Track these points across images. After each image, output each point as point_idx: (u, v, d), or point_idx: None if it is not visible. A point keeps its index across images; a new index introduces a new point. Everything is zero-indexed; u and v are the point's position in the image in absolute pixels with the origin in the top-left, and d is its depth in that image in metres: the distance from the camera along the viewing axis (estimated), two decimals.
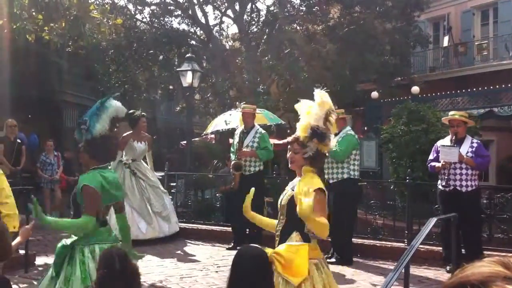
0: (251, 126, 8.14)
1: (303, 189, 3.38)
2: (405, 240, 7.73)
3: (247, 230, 8.27)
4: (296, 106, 3.79)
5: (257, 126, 8.29)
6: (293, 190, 3.54)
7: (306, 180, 3.51)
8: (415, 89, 15.64)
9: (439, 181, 6.94)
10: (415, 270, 6.38)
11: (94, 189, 3.75)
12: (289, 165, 3.72)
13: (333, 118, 3.70)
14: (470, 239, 6.82)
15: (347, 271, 6.63)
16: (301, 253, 3.36)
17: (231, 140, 17.08)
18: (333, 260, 7.01)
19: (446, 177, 6.72)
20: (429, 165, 7.06)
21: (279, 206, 3.66)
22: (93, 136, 3.93)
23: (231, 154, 8.33)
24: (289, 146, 3.72)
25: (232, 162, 8.08)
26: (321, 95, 3.68)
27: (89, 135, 3.94)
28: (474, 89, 15.62)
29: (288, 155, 3.72)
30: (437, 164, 6.82)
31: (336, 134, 7.38)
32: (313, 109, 3.64)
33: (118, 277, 2.87)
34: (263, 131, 8.23)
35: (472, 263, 0.82)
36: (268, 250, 3.23)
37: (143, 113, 8.70)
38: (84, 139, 3.96)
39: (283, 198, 3.61)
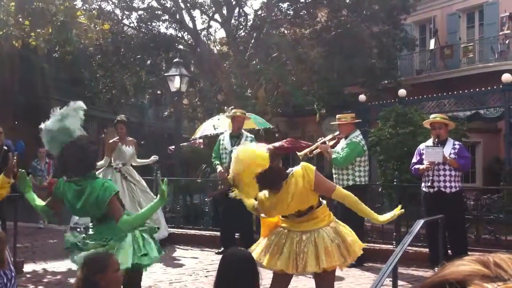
0: (240, 132, 8.21)
1: None
2: (394, 242, 7.76)
3: (236, 234, 8.29)
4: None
5: (244, 131, 8.38)
6: None
7: None
8: (402, 92, 15.72)
9: (423, 184, 6.99)
10: (403, 272, 6.42)
11: None
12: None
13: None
14: (456, 240, 6.89)
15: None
16: None
17: None
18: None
19: (430, 178, 6.78)
20: (412, 168, 7.11)
21: None
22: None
23: (214, 159, 8.34)
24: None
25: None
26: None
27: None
28: (460, 92, 15.73)
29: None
30: (421, 166, 6.88)
31: (346, 138, 7.37)
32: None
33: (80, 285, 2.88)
34: (252, 136, 8.38)
35: (452, 262, 0.83)
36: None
37: (119, 119, 8.67)
38: None
39: None
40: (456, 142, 7.02)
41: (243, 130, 8.36)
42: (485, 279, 0.76)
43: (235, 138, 8.14)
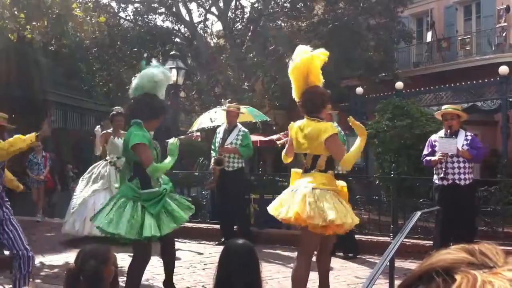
0: (234, 125, 8.26)
1: None
2: (391, 234, 7.78)
3: (235, 227, 8.33)
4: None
5: (240, 125, 8.42)
6: None
7: None
8: (399, 84, 15.70)
9: (435, 176, 6.90)
10: (400, 264, 6.42)
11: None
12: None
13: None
14: (467, 232, 6.79)
15: (333, 265, 6.66)
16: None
17: None
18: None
19: (444, 170, 6.69)
20: (424, 160, 7.02)
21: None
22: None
23: (212, 151, 8.42)
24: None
25: (215, 157, 8.16)
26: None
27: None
28: (458, 84, 15.73)
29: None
30: (433, 158, 6.78)
31: None
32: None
33: (85, 277, 2.88)
34: (246, 130, 8.42)
35: (438, 251, 0.83)
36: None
37: (119, 111, 8.65)
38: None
39: None
40: (468, 133, 6.91)
41: (238, 124, 8.42)
42: (471, 266, 0.76)
43: (228, 132, 8.21)
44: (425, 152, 7.02)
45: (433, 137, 7.03)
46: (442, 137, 6.78)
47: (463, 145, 6.68)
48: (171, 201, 4.79)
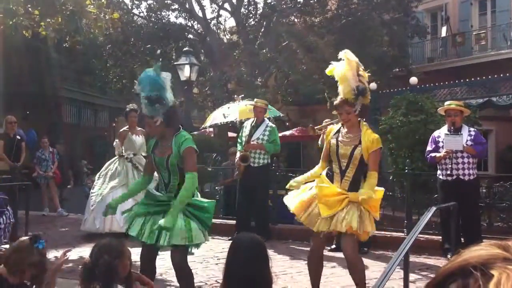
0: (262, 121, 8.22)
1: (368, 143, 4.49)
2: (405, 229, 7.74)
3: (252, 222, 8.33)
4: (329, 72, 4.69)
5: (267, 120, 8.39)
6: (359, 144, 4.52)
7: (367, 134, 4.54)
8: (414, 79, 15.61)
9: (439, 171, 6.91)
10: (415, 259, 6.39)
11: (194, 148, 4.26)
12: (345, 124, 4.63)
13: (362, 71, 4.60)
14: (471, 227, 6.83)
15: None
16: (379, 194, 4.61)
17: (230, 134, 17.13)
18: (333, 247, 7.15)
19: (449, 166, 6.70)
20: (428, 156, 7.03)
21: (342, 155, 4.58)
22: (170, 106, 4.29)
23: (238, 145, 8.38)
24: (339, 108, 4.57)
25: (240, 154, 8.12)
26: (346, 56, 4.56)
27: (165, 108, 4.23)
28: (473, 79, 15.61)
29: (341, 117, 4.62)
30: (438, 154, 6.79)
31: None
32: (346, 72, 4.48)
33: (99, 271, 2.91)
34: (273, 125, 8.35)
35: (468, 248, 0.82)
36: (355, 195, 4.42)
37: (132, 108, 8.67)
38: (161, 113, 4.22)
39: (355, 150, 4.52)
40: (472, 129, 6.95)
41: (266, 119, 8.39)
42: (507, 261, 0.75)
43: (255, 127, 8.16)
44: (429, 148, 7.02)
45: (436, 133, 7.04)
46: (447, 134, 6.78)
47: (467, 140, 6.70)
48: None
